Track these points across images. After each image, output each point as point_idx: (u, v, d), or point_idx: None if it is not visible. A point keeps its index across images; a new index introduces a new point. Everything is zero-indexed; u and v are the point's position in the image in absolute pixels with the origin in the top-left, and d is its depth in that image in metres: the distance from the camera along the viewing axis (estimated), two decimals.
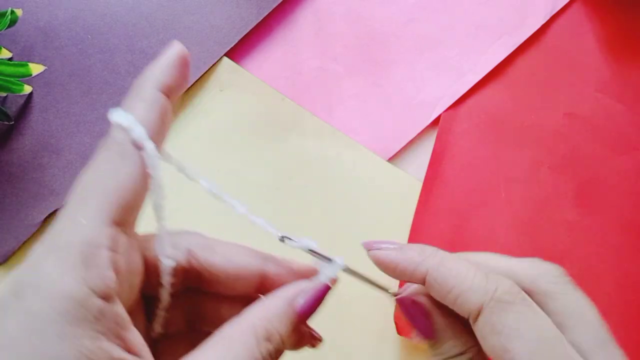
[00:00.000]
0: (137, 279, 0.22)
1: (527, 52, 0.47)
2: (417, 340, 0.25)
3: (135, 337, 0.19)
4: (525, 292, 0.23)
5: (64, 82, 0.45)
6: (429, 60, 0.48)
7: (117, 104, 0.49)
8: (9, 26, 0.42)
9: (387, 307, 0.42)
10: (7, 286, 0.18)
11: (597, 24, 0.48)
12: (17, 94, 0.44)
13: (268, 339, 0.21)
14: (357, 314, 0.43)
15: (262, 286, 0.25)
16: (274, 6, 0.47)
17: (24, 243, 0.43)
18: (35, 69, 0.43)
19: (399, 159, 0.46)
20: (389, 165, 0.46)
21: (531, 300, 0.23)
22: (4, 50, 0.43)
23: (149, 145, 0.21)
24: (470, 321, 0.23)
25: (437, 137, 0.46)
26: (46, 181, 0.44)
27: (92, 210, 0.19)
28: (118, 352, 0.18)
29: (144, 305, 0.24)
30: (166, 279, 0.23)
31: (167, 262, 0.23)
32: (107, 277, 0.18)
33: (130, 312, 0.20)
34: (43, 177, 0.44)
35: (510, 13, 0.48)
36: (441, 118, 0.46)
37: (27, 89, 0.43)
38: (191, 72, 0.46)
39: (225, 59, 0.47)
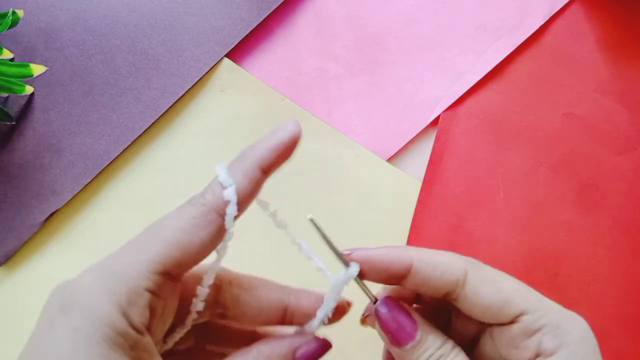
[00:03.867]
0: (169, 320, 0.24)
1: (526, 53, 0.48)
2: (394, 349, 0.26)
3: None
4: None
5: (65, 82, 0.46)
6: (429, 61, 0.48)
7: (118, 104, 0.49)
8: (11, 27, 0.42)
9: None
10: (53, 298, 0.21)
11: (596, 25, 0.48)
12: (19, 95, 0.44)
13: None
14: (357, 314, 0.43)
15: (284, 320, 0.26)
16: (275, 7, 0.48)
17: (25, 243, 0.43)
18: (37, 69, 0.43)
19: (399, 159, 0.46)
20: (388, 165, 0.46)
21: None
22: (5, 50, 0.43)
23: (231, 212, 0.22)
24: (458, 289, 0.25)
25: (436, 137, 0.46)
26: (47, 181, 0.44)
27: (152, 255, 0.21)
28: None
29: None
30: (192, 314, 0.25)
31: (200, 305, 0.24)
32: (144, 316, 0.21)
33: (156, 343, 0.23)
34: (44, 178, 0.44)
35: (509, 14, 0.48)
36: (440, 118, 0.46)
37: (29, 89, 0.43)
38: (192, 73, 0.46)
39: (226, 59, 0.47)
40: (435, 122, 0.47)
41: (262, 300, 0.26)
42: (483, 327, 0.27)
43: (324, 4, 0.49)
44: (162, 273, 0.21)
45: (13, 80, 0.42)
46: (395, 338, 0.25)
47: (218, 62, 0.47)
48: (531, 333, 0.24)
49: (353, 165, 0.46)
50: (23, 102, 0.45)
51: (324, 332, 0.27)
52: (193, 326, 0.26)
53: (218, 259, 0.24)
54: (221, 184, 0.23)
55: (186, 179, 0.45)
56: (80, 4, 0.47)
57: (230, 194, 0.22)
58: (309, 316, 0.26)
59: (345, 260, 0.26)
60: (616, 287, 0.43)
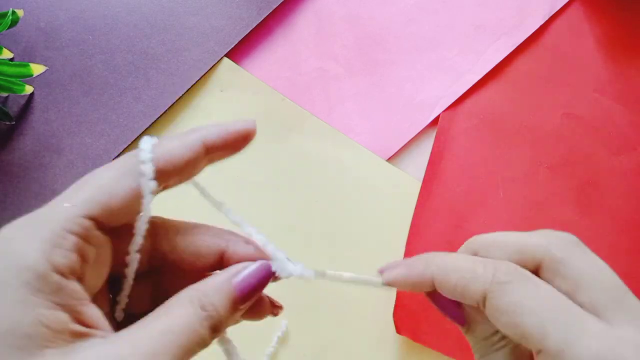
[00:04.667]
0: (104, 270, 0.23)
1: (526, 53, 0.48)
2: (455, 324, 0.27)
3: (94, 312, 0.21)
4: (537, 262, 0.24)
5: (66, 82, 0.46)
6: (429, 61, 0.48)
7: (118, 104, 0.49)
8: (11, 27, 0.42)
9: (387, 306, 0.43)
10: None
11: (596, 25, 0.48)
12: (19, 95, 0.44)
13: (202, 307, 0.22)
14: (357, 314, 0.43)
15: (222, 264, 0.25)
16: (275, 7, 0.48)
17: None
18: (37, 69, 0.43)
19: (399, 159, 0.46)
20: (388, 165, 0.46)
21: (530, 274, 0.24)
22: (5, 50, 0.43)
23: (147, 170, 0.22)
24: (481, 308, 0.24)
25: (436, 137, 0.46)
26: (48, 181, 0.44)
27: (78, 201, 0.21)
28: (73, 324, 0.20)
29: (111, 290, 0.25)
30: (132, 266, 0.24)
31: (135, 256, 0.24)
32: (69, 258, 0.20)
33: (96, 297, 0.22)
34: (44, 177, 0.44)
35: (509, 14, 0.48)
36: (440, 118, 0.46)
37: (29, 89, 0.43)
38: (192, 73, 0.46)
39: (226, 59, 0.47)
40: (435, 122, 0.47)
41: (198, 245, 0.25)
42: None
43: (324, 4, 0.49)
44: (89, 218, 0.21)
45: (13, 80, 0.42)
46: (453, 319, 0.27)
47: (218, 62, 0.47)
48: None
49: (353, 165, 0.46)
50: (23, 102, 0.45)
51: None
52: (147, 289, 0.26)
53: (143, 213, 0.23)
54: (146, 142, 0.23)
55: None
56: (80, 4, 0.47)
57: (147, 147, 0.22)
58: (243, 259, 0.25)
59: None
60: None
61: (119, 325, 0.24)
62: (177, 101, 0.46)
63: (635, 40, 0.48)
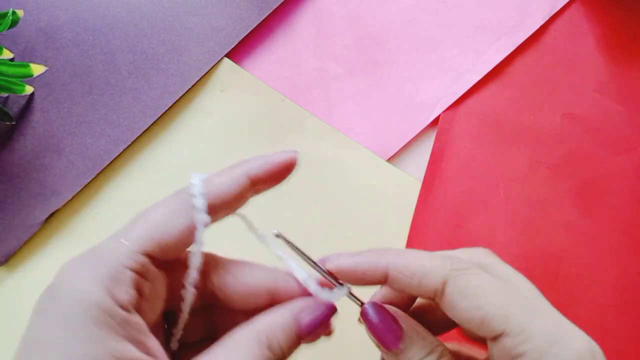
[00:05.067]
0: (159, 304, 0.24)
1: (526, 53, 0.48)
2: (381, 351, 0.26)
3: (154, 343, 0.22)
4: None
5: (65, 82, 0.46)
6: (429, 61, 0.48)
7: (118, 104, 0.49)
8: (11, 27, 0.42)
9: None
10: (46, 290, 0.21)
11: (596, 25, 0.48)
12: (19, 95, 0.44)
13: (269, 347, 0.23)
14: (357, 313, 0.43)
15: (273, 302, 0.26)
16: (275, 7, 0.48)
17: (25, 243, 0.43)
18: (37, 69, 0.43)
19: (399, 159, 0.46)
20: (388, 165, 0.46)
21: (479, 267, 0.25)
22: (5, 50, 0.43)
23: (200, 204, 0.23)
24: (437, 299, 0.24)
25: (436, 137, 0.46)
26: (47, 181, 0.44)
27: (134, 237, 0.22)
28: (139, 353, 0.21)
29: (166, 323, 0.26)
30: (187, 299, 0.25)
31: (190, 289, 0.25)
32: (129, 294, 0.21)
33: (152, 328, 0.23)
34: (44, 178, 0.44)
35: (509, 14, 0.48)
36: (440, 118, 0.46)
37: (29, 89, 0.43)
38: (192, 73, 0.46)
39: (226, 59, 0.47)
40: (435, 122, 0.47)
41: (247, 284, 0.25)
42: None
43: (324, 4, 0.49)
44: (145, 254, 0.22)
45: (13, 80, 0.42)
46: (381, 343, 0.25)
47: (218, 62, 0.47)
48: (511, 357, 0.22)
49: (353, 165, 0.46)
50: (23, 102, 0.45)
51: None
52: (200, 321, 0.27)
53: (196, 245, 0.24)
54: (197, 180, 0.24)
55: (186, 179, 0.45)
56: (80, 4, 0.47)
57: (197, 182, 0.24)
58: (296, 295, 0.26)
59: (330, 279, 0.26)
60: (616, 287, 0.43)
61: (173, 356, 0.26)
62: (177, 101, 0.46)
63: (635, 40, 0.48)
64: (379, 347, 0.26)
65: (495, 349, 0.23)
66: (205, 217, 0.23)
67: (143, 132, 0.45)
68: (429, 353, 0.24)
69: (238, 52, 0.47)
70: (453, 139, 0.46)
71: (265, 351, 0.22)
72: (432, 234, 0.44)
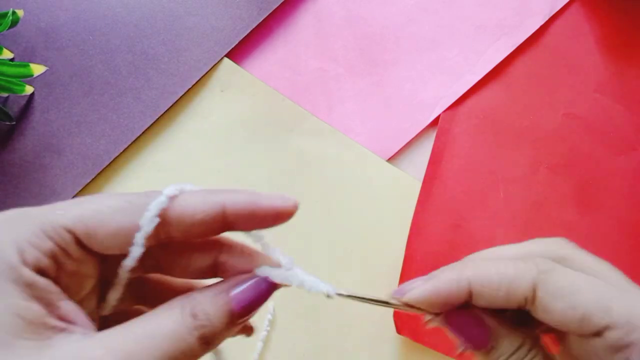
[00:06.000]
0: (88, 281, 0.23)
1: (526, 53, 0.48)
2: (467, 352, 0.25)
3: (71, 308, 0.21)
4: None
5: (65, 82, 0.46)
6: (429, 61, 0.48)
7: (118, 104, 0.49)
8: (11, 27, 0.42)
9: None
10: None
11: (596, 25, 0.48)
12: (19, 95, 0.44)
13: (193, 314, 0.21)
14: (357, 313, 0.43)
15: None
16: (274, 7, 0.48)
17: None
18: (37, 69, 0.43)
19: (399, 159, 0.46)
20: (388, 165, 0.46)
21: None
22: (5, 50, 0.43)
23: (149, 214, 0.22)
24: (528, 306, 0.23)
25: (436, 137, 0.46)
26: (48, 181, 0.44)
27: (70, 214, 0.21)
28: (49, 317, 0.20)
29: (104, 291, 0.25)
30: (126, 270, 0.24)
31: (134, 255, 0.23)
32: (42, 260, 0.20)
33: (81, 297, 0.23)
34: (44, 178, 0.44)
35: (509, 14, 0.48)
36: (440, 118, 0.46)
37: (29, 89, 0.43)
38: (192, 73, 0.46)
39: (226, 59, 0.47)
40: (435, 122, 0.47)
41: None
42: None
43: (324, 4, 0.49)
44: (70, 231, 0.21)
45: (13, 80, 0.42)
46: (471, 344, 0.24)
47: (218, 62, 0.47)
48: (617, 349, 0.22)
49: (353, 165, 0.46)
50: (23, 102, 0.45)
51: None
52: (132, 290, 0.25)
53: (135, 247, 0.22)
54: (162, 195, 0.22)
55: (186, 179, 0.45)
56: (80, 4, 0.47)
57: (166, 194, 0.22)
58: (241, 271, 0.24)
59: (417, 311, 0.24)
60: None
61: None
62: (177, 101, 0.46)
63: (635, 40, 0.48)
64: (466, 350, 0.25)
65: (597, 344, 0.22)
66: (147, 227, 0.21)
67: (143, 132, 0.45)
68: (520, 346, 0.24)
69: (238, 52, 0.47)
70: (453, 139, 0.46)
71: (187, 318, 0.21)
72: (432, 234, 0.44)
